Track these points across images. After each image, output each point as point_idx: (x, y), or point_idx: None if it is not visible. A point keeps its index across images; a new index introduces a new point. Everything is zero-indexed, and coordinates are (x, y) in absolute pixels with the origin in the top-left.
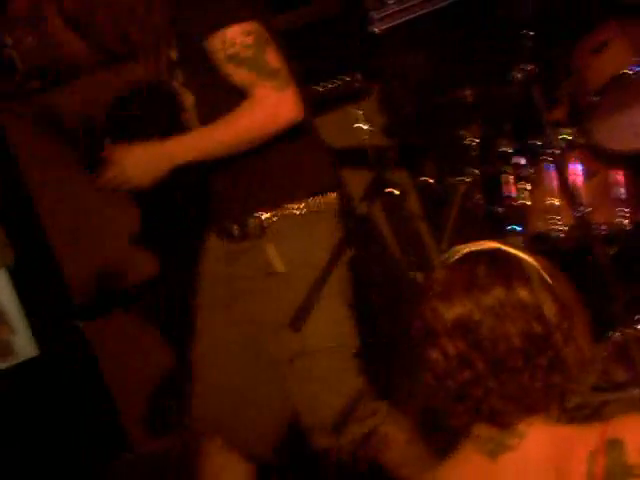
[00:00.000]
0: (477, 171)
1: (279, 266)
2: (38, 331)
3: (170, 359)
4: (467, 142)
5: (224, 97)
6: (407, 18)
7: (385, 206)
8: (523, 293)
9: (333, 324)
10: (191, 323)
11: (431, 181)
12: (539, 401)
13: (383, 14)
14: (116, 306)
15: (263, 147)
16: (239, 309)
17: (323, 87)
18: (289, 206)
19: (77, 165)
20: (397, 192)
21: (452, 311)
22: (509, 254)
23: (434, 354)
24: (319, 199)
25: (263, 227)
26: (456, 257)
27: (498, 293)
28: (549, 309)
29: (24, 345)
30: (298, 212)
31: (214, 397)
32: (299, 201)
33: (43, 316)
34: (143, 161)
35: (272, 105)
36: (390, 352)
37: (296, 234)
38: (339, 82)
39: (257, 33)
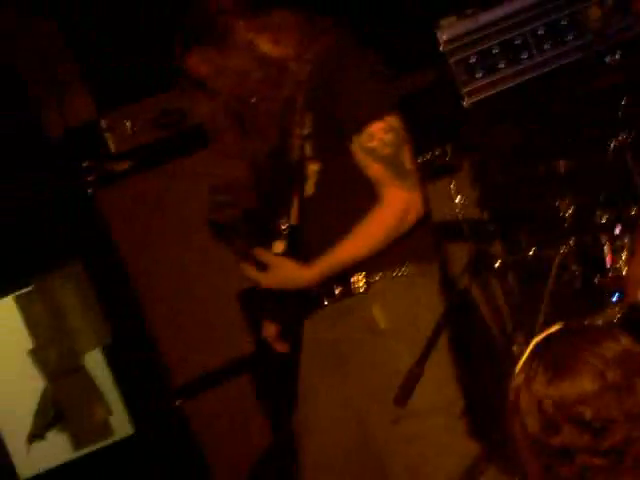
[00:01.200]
0: (573, 242)
1: (384, 324)
2: (134, 410)
3: (270, 435)
4: (562, 213)
5: (350, 177)
6: (498, 90)
7: (484, 279)
8: (627, 341)
9: (438, 385)
10: (293, 394)
11: (527, 253)
12: None
13: (474, 87)
14: (214, 384)
15: None
16: (344, 373)
17: None
18: (394, 268)
19: (176, 244)
20: (496, 265)
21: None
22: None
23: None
24: (424, 265)
25: (367, 286)
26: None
27: (614, 346)
28: None
29: (120, 424)
30: (402, 274)
31: (322, 469)
32: (404, 264)
33: (140, 394)
34: (288, 281)
35: (403, 209)
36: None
37: (401, 294)
38: (430, 156)
39: (397, 130)
